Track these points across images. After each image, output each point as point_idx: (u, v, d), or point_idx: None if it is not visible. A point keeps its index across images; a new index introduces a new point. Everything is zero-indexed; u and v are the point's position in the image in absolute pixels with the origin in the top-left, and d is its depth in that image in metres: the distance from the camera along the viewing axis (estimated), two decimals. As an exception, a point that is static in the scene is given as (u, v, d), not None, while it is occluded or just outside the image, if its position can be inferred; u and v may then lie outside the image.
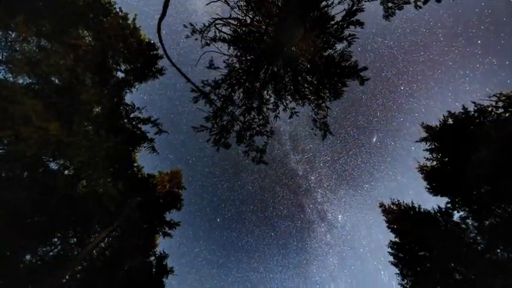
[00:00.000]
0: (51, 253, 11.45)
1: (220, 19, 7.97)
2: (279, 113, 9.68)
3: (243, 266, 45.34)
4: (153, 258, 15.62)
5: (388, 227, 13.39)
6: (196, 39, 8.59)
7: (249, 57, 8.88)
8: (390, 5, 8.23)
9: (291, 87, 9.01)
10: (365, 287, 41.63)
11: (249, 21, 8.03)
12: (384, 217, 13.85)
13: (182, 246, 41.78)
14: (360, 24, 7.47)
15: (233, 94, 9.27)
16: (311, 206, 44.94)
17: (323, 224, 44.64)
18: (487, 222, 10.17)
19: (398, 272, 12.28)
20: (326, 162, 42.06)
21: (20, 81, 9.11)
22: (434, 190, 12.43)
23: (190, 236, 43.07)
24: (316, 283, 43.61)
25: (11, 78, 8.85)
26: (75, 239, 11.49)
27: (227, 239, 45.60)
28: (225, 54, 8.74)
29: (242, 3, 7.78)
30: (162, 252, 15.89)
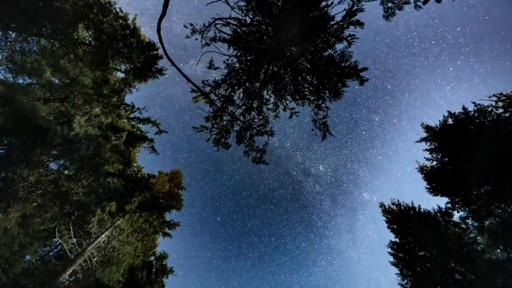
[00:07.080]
0: (51, 253, 11.46)
1: (220, 19, 7.96)
2: (279, 113, 9.68)
3: (255, 245, 50.53)
4: (153, 258, 15.65)
5: (388, 227, 13.40)
6: (196, 39, 8.58)
7: (249, 57, 8.87)
8: (390, 5, 8.21)
9: (291, 87, 9.01)
10: (356, 212, 49.99)
11: (249, 21, 8.02)
12: (384, 217, 13.87)
13: (193, 258, 44.46)
14: (360, 24, 7.45)
15: (233, 94, 9.26)
16: (295, 168, 50.58)
17: (309, 179, 50.81)
18: (487, 222, 10.16)
19: (398, 272, 12.27)
20: (294, 126, 46.06)
21: (20, 81, 9.13)
22: (434, 190, 12.42)
23: (196, 245, 45.12)
24: (320, 227, 50.37)
25: (11, 78, 8.86)
26: (75, 239, 11.48)
27: (233, 232, 48.69)
28: (225, 54, 8.72)
29: (242, 3, 7.77)
30: (162, 252, 15.93)
